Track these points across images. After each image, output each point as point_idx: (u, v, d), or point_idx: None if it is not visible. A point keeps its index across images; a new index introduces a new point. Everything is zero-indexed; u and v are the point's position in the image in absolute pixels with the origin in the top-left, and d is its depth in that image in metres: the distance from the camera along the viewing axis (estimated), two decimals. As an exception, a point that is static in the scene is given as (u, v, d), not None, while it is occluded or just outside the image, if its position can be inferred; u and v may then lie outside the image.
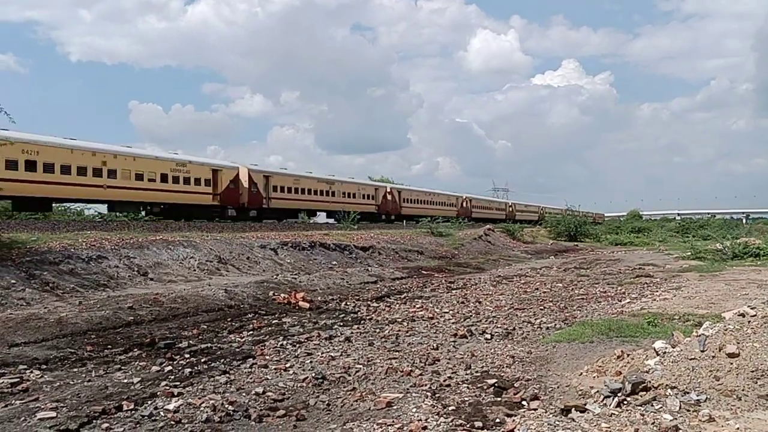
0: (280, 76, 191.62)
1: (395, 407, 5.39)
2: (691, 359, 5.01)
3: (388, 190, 47.56)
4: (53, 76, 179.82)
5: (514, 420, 4.77)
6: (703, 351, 5.05)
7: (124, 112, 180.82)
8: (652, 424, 4.13)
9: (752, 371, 4.67)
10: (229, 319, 10.52)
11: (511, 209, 72.85)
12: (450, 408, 5.33)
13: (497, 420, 4.94)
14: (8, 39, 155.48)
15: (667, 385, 4.72)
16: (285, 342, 8.45)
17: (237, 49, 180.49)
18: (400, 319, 10.47)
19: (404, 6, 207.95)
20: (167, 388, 6.05)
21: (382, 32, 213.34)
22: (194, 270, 16.02)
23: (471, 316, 10.81)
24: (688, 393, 4.58)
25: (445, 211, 52.02)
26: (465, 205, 60.53)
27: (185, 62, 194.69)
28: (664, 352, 5.45)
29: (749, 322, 5.32)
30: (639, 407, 4.47)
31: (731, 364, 4.79)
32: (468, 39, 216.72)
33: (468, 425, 4.85)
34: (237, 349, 8.04)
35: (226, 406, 5.41)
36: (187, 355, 7.65)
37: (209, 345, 8.31)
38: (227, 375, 6.61)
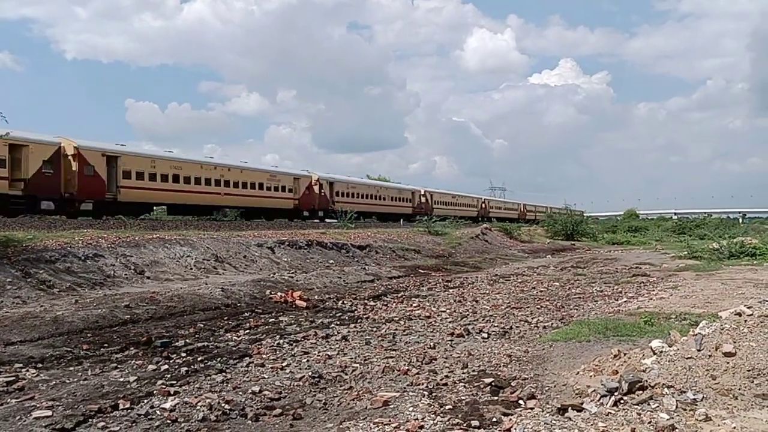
0: (276, 74, 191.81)
1: (392, 406, 5.39)
2: (687, 358, 5.02)
3: (85, 151, 23.59)
4: (49, 74, 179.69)
5: (510, 419, 4.77)
6: (699, 350, 5.06)
7: (120, 111, 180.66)
8: (649, 423, 4.13)
9: (749, 370, 4.67)
10: (225, 318, 10.49)
11: (424, 199, 53.19)
12: (447, 407, 5.32)
13: (494, 419, 4.94)
14: (4, 37, 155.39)
15: (663, 384, 4.72)
16: (282, 341, 8.43)
17: (233, 47, 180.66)
18: (397, 318, 10.46)
19: (401, 5, 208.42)
20: (163, 386, 6.04)
21: (379, 31, 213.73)
22: (191, 268, 15.98)
23: (468, 315, 10.81)
24: (684, 392, 4.59)
25: (274, 201, 32.15)
26: (325, 192, 39.23)
27: (182, 60, 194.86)
28: (661, 352, 5.45)
29: (746, 321, 5.32)
30: (636, 406, 4.47)
31: (728, 363, 4.80)
32: (465, 38, 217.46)
33: (465, 424, 4.85)
34: (233, 348, 8.02)
35: (223, 404, 5.40)
36: (183, 354, 7.63)
37: (206, 344, 8.29)
38: (224, 374, 6.59)
